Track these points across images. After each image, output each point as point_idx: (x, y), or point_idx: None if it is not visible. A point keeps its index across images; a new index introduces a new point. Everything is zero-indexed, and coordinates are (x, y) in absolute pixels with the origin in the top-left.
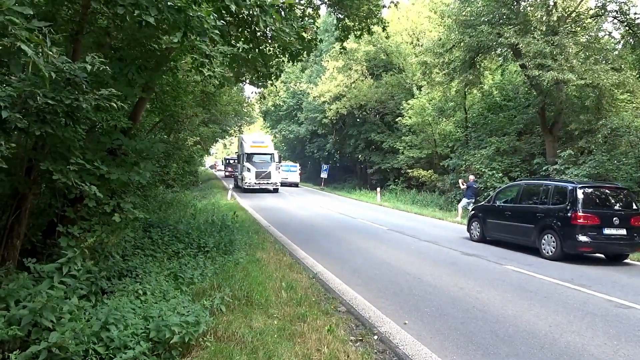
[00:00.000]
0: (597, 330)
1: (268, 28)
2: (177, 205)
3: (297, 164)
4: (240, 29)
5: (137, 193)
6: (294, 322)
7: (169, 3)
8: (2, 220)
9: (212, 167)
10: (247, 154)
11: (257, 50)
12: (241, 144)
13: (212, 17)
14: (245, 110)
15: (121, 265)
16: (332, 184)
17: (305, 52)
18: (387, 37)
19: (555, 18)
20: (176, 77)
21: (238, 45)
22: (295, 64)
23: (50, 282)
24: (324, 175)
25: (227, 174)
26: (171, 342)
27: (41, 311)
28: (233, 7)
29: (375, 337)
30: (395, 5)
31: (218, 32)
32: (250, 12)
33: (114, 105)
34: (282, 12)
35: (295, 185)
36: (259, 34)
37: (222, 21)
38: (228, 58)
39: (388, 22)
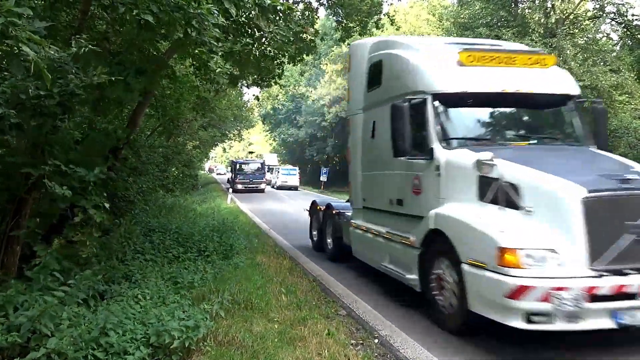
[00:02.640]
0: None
1: (265, 30)
2: (177, 210)
3: (297, 168)
4: (237, 31)
5: (139, 197)
6: (295, 326)
7: (171, 2)
8: (1, 226)
9: (210, 170)
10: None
11: (256, 50)
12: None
13: (213, 15)
14: (244, 115)
15: (120, 270)
16: (332, 187)
17: (304, 53)
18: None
19: (553, 20)
20: (176, 80)
21: (239, 40)
22: (295, 65)
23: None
24: (323, 178)
25: (240, 186)
26: (171, 347)
27: (39, 318)
28: (233, 11)
29: (376, 340)
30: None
31: (218, 30)
32: (249, 14)
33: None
34: (280, 14)
35: (295, 188)
36: (257, 34)
37: (222, 19)
38: (227, 52)
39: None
